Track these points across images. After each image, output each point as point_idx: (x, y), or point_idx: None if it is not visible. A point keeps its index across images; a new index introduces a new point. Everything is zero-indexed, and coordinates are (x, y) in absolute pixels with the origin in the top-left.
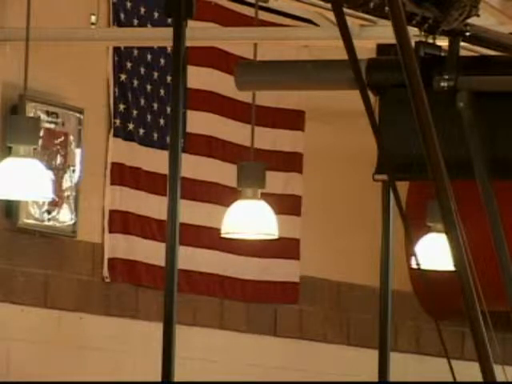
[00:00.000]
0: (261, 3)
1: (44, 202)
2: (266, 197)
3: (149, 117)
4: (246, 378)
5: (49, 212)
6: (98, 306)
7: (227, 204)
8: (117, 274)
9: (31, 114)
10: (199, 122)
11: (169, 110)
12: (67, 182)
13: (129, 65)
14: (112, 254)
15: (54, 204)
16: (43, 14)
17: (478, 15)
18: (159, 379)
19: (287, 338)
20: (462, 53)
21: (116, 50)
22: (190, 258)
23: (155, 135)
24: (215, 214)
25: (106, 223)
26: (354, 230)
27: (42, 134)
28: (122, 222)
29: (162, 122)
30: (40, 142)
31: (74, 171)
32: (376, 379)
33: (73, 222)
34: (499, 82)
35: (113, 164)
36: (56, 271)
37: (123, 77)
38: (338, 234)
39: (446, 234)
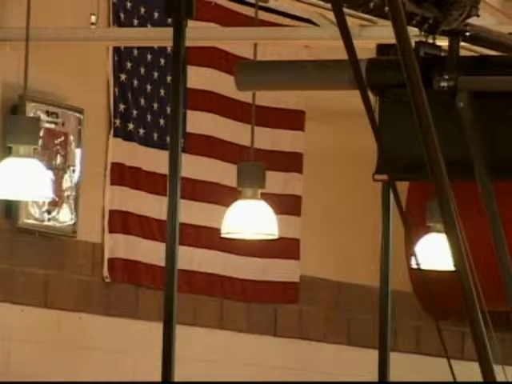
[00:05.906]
0: (261, 3)
1: (44, 202)
2: (266, 197)
3: (149, 117)
4: (246, 378)
5: (49, 212)
6: (98, 306)
7: (227, 204)
8: (117, 274)
9: (31, 114)
10: (199, 122)
11: (169, 110)
12: (67, 182)
13: (129, 65)
14: (112, 254)
15: (54, 204)
16: (43, 14)
17: (478, 15)
18: (159, 379)
19: (287, 338)
20: (462, 53)
21: (116, 49)
22: (190, 258)
23: (155, 135)
24: (215, 214)
25: (106, 223)
26: (354, 230)
27: (42, 134)
28: (122, 222)
29: (161, 122)
30: (40, 142)
31: (74, 171)
32: (376, 379)
33: (73, 222)
34: (499, 82)
35: (113, 164)
36: (56, 271)
37: (123, 77)
38: (338, 234)
39: (446, 234)
